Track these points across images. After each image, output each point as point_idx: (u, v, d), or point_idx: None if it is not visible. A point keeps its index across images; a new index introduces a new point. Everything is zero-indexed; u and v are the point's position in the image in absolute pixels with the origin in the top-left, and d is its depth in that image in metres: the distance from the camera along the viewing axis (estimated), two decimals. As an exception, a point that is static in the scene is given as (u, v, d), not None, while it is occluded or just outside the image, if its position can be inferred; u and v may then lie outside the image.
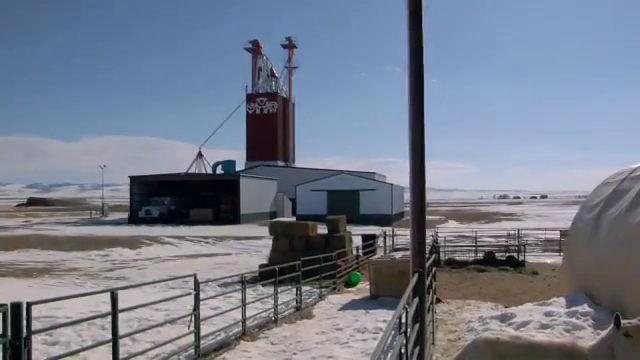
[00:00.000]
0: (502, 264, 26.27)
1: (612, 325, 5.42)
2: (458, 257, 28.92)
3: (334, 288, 20.18)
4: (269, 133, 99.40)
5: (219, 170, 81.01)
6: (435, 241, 27.79)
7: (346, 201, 65.51)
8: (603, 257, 11.81)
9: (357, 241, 29.00)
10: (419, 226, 8.62)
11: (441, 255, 28.02)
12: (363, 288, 19.91)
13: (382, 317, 13.45)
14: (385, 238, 31.72)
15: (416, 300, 7.45)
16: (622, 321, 5.32)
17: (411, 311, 6.81)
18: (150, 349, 9.88)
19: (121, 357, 8.61)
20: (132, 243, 38.12)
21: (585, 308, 10.56)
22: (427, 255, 12.03)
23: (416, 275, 7.84)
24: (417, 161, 8.57)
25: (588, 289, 11.76)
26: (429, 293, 10.22)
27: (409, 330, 6.85)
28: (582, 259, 13.49)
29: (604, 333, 5.67)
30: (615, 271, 10.68)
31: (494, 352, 5.95)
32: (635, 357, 5.19)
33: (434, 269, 12.51)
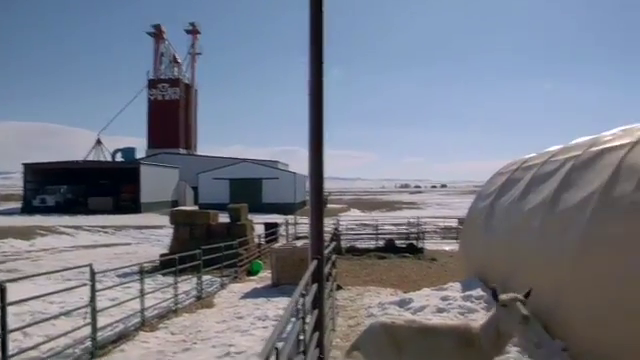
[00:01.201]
0: (402, 251, 26.85)
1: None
2: (359, 245, 29.29)
3: (236, 277, 20.04)
4: (171, 120, 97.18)
5: (119, 158, 78.75)
6: (337, 229, 28.08)
7: (249, 190, 65.12)
8: (495, 243, 12.29)
9: (259, 230, 28.90)
10: (318, 214, 8.66)
11: (343, 243, 28.33)
12: (265, 276, 19.89)
13: (283, 305, 13.43)
14: (287, 226, 31.76)
15: (315, 286, 7.48)
16: (500, 295, 5.66)
17: (309, 297, 6.83)
18: (43, 343, 9.50)
19: (11, 352, 8.25)
20: (25, 233, 36.28)
21: (479, 292, 10.96)
22: (327, 243, 12.15)
23: (315, 261, 7.87)
24: (316, 149, 8.59)
25: (482, 274, 12.21)
26: (329, 280, 10.30)
27: (308, 316, 6.87)
28: (476, 245, 14.00)
29: (491, 312, 5.93)
30: (506, 256, 11.12)
31: (390, 336, 6.06)
32: (512, 324, 5.52)
33: (334, 256, 12.61)
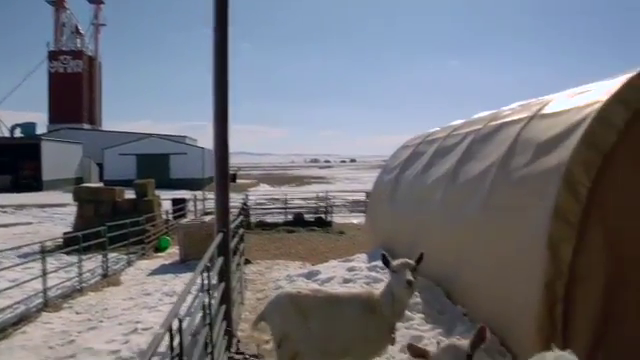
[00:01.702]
0: (311, 225, 27.13)
1: None
2: (269, 219, 29.35)
3: (143, 254, 19.70)
4: (73, 94, 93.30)
5: (18, 133, 75.18)
6: (245, 204, 27.98)
7: (156, 165, 63.71)
8: (400, 215, 12.60)
9: (167, 206, 28.43)
10: (223, 187, 8.67)
11: (252, 218, 28.31)
12: (173, 253, 19.65)
13: (190, 279, 13.35)
14: (196, 202, 31.42)
15: (220, 259, 7.48)
16: (392, 262, 5.85)
17: (215, 270, 6.82)
18: None
19: None
20: None
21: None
22: (235, 217, 12.13)
23: (220, 235, 7.88)
24: (220, 122, 8.58)
25: (387, 245, 12.49)
26: (236, 254, 10.31)
27: (214, 290, 6.86)
28: (382, 218, 14.31)
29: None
30: (410, 227, 11.41)
31: (295, 305, 6.13)
32: (400, 288, 5.71)
33: (242, 230, 12.60)
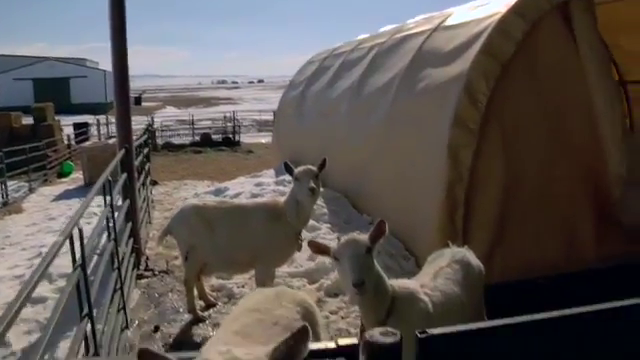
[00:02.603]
0: (219, 145, 26.91)
1: None
2: (175, 141, 28.90)
3: (45, 180, 19.07)
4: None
5: None
6: (150, 125, 27.37)
7: (55, 90, 60.90)
8: (307, 130, 12.62)
9: (69, 131, 27.42)
10: (123, 105, 8.41)
11: (158, 141, 27.81)
12: (77, 177, 19.09)
13: (97, 202, 13.07)
14: (99, 126, 30.44)
15: (124, 176, 7.33)
16: (294, 170, 5.86)
17: (119, 186, 6.68)
18: None
19: None
20: None
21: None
22: (139, 136, 11.84)
23: (122, 151, 7.68)
24: (118, 39, 8.22)
25: (295, 160, 12.47)
26: (141, 173, 10.12)
27: (118, 208, 6.74)
28: (289, 133, 14.31)
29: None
30: (316, 141, 11.45)
31: (201, 216, 6.11)
32: (303, 195, 5.75)
33: (147, 149, 12.33)
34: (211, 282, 7.35)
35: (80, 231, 3.85)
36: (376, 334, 1.82)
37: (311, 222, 7.43)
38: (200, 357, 1.76)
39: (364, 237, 3.45)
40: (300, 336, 1.76)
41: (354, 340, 1.87)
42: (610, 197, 7.14)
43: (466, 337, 1.87)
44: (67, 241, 3.59)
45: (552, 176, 6.93)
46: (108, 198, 5.62)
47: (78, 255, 3.91)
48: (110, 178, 5.59)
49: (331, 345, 1.86)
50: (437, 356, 1.82)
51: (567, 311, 1.90)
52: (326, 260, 7.37)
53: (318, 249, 3.63)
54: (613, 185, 7.11)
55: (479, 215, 6.74)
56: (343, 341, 1.86)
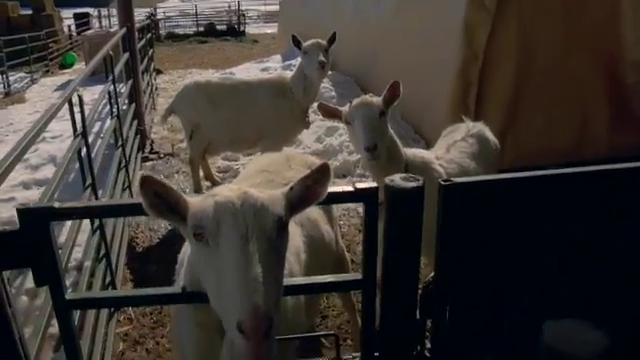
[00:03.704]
0: (223, 35, 26.32)
1: None
2: (179, 31, 28.29)
3: (47, 70, 18.77)
4: None
5: None
6: (152, 15, 26.72)
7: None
8: (314, 16, 12.20)
9: (70, 23, 26.80)
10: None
11: (161, 32, 27.22)
12: (79, 68, 18.79)
13: (99, 91, 12.90)
14: (100, 18, 29.73)
15: (126, 55, 7.11)
16: (303, 44, 5.64)
17: (120, 64, 6.48)
18: None
19: None
20: None
21: (298, 60, 10.99)
22: (142, 21, 11.48)
23: (124, 29, 7.42)
24: None
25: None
26: (145, 58, 9.88)
27: (123, 89, 6.57)
28: (296, 21, 13.85)
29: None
30: (325, 27, 11.05)
31: (204, 93, 5.91)
32: (312, 69, 5.53)
33: (150, 35, 11.99)
34: (217, 163, 7.26)
35: (80, 98, 3.69)
36: (397, 179, 1.70)
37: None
38: (209, 193, 1.65)
39: (378, 99, 3.27)
40: (319, 176, 1.64)
41: (373, 184, 1.73)
42: (625, 84, 6.90)
43: (488, 186, 1.80)
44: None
45: (567, 61, 6.67)
46: (110, 74, 5.42)
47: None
48: (112, 53, 5.37)
49: (348, 188, 1.73)
50: (460, 203, 1.72)
51: (586, 168, 1.82)
52: (334, 142, 7.25)
53: (328, 112, 3.45)
54: (628, 71, 6.85)
55: (492, 97, 6.56)
56: (361, 185, 1.73)
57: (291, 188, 1.64)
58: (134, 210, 1.65)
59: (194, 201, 1.63)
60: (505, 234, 1.81)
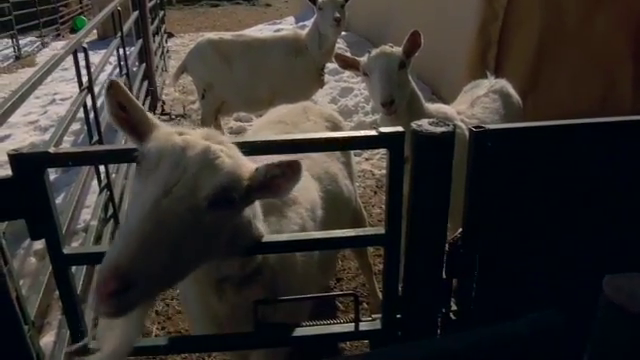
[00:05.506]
0: (235, -2, 25.98)
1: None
2: (191, -5, 27.93)
3: (58, 34, 18.54)
4: None
5: None
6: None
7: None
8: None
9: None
10: None
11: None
12: (91, 33, 18.53)
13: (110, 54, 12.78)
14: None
15: (136, 13, 6.95)
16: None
17: (130, 21, 6.32)
18: None
19: None
20: None
21: (311, 20, 10.82)
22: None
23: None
24: None
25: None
26: (155, 19, 9.69)
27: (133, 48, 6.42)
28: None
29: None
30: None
31: (217, 51, 5.76)
32: (327, 26, 5.39)
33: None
34: (229, 124, 7.12)
35: (85, 50, 3.55)
36: (425, 124, 1.55)
37: (332, 66, 7.07)
38: (186, 130, 1.54)
39: (398, 49, 3.10)
40: (289, 171, 1.45)
41: (398, 128, 1.57)
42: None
43: (519, 133, 1.71)
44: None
45: (593, 21, 6.39)
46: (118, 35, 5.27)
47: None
48: (119, 8, 5.21)
49: (372, 133, 1.57)
50: (490, 149, 1.60)
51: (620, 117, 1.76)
52: (349, 102, 7.07)
53: (346, 62, 3.29)
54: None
55: (513, 58, 6.36)
56: (386, 129, 1.57)
57: (256, 169, 1.47)
58: (134, 156, 1.52)
59: (164, 132, 1.48)
60: (536, 183, 1.69)
